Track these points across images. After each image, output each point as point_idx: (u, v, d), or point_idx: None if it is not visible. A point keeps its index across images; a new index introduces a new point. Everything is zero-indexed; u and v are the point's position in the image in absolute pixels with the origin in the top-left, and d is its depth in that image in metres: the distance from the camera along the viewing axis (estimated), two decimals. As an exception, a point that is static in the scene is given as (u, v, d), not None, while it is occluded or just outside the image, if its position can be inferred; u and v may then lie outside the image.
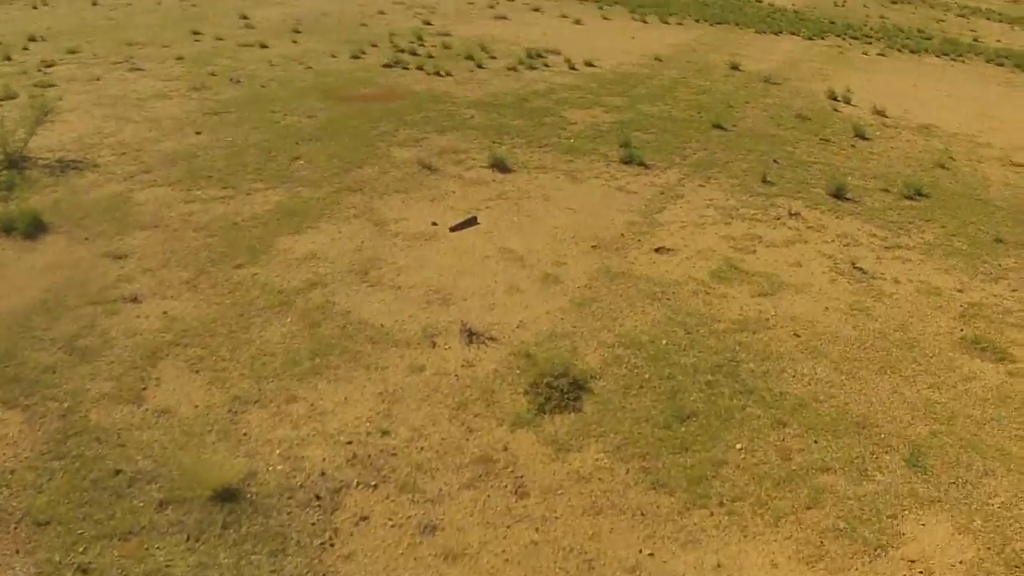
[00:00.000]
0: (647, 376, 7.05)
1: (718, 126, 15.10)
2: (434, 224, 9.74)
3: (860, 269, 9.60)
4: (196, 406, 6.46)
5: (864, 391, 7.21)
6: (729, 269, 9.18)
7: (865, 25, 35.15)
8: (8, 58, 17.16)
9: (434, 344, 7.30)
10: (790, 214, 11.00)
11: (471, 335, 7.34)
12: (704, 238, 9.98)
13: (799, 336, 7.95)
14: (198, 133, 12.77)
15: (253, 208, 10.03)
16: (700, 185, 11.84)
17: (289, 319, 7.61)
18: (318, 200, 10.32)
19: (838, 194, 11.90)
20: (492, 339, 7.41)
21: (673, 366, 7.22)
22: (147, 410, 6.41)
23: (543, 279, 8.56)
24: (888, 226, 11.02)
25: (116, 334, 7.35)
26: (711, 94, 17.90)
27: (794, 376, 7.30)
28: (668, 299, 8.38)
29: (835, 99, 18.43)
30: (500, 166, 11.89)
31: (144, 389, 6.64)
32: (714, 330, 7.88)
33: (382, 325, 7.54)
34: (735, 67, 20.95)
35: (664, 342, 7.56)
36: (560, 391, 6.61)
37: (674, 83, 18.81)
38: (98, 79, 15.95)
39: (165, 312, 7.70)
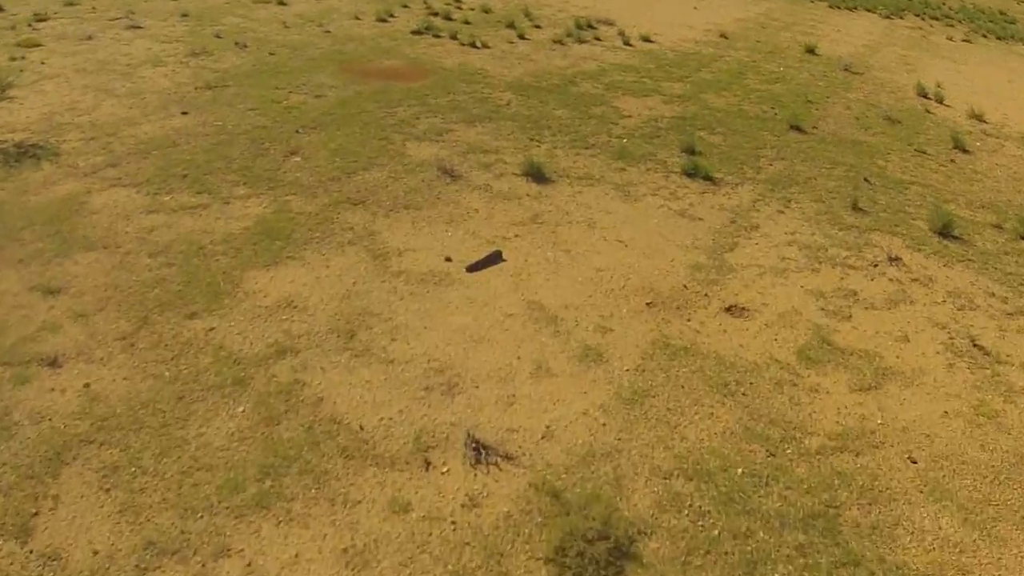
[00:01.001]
0: (716, 532, 5.11)
1: (796, 127, 12.86)
2: (448, 260, 7.79)
3: (980, 348, 7.52)
4: (96, 551, 4.68)
5: (1004, 561, 5.23)
6: (820, 344, 7.15)
7: (944, 4, 32.06)
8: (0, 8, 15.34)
9: (428, 464, 5.40)
10: (890, 259, 8.88)
11: (479, 449, 5.44)
12: (787, 293, 7.92)
13: (915, 462, 5.94)
14: (184, 113, 10.88)
15: (227, 225, 8.14)
16: (779, 211, 9.71)
17: (242, 408, 5.75)
18: (308, 217, 8.40)
19: (944, 231, 9.71)
20: (508, 457, 5.50)
21: (751, 514, 5.26)
22: (31, 552, 4.67)
23: (581, 355, 6.60)
24: (1007, 280, 8.85)
25: (20, 417, 5.60)
26: (786, 83, 15.56)
27: (912, 533, 5.32)
28: (744, 393, 6.39)
29: (926, 96, 16.00)
30: (536, 175, 9.86)
31: (35, 515, 4.89)
32: (805, 450, 5.89)
33: (362, 427, 5.66)
34: (810, 50, 18.50)
35: (739, 471, 5.60)
36: (596, 562, 4.70)
37: (743, 67, 16.47)
38: (90, 38, 14.08)
39: (87, 385, 5.91)
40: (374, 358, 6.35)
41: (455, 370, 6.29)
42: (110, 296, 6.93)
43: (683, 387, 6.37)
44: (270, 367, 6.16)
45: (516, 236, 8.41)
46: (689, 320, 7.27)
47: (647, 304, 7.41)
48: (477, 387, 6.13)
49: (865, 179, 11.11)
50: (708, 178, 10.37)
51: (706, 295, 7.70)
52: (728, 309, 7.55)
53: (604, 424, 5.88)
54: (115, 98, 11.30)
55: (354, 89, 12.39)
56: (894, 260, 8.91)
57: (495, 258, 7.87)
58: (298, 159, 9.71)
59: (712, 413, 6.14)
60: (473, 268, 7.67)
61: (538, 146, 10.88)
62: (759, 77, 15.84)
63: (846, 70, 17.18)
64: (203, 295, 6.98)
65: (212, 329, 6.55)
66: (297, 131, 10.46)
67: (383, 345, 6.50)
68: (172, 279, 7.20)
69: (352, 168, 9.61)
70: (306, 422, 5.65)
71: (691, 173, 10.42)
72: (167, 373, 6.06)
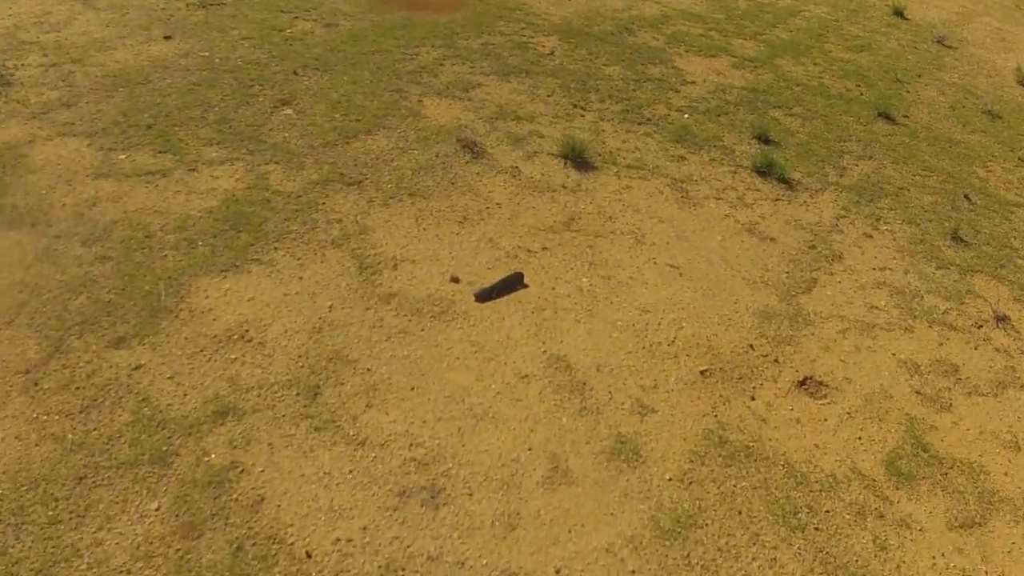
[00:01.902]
0: None
1: (884, 114, 10.93)
2: (454, 281, 6.19)
3: (1114, 463, 5.93)
4: None
5: None
6: (914, 449, 5.59)
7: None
8: None
9: (390, 627, 3.95)
10: (996, 319, 7.23)
11: (462, 609, 3.97)
12: (875, 362, 6.31)
13: (1037, 659, 4.44)
14: (167, 38, 9.13)
15: (187, 203, 6.55)
16: (866, 234, 7.99)
17: (156, 505, 4.30)
18: (288, 198, 6.79)
19: (1061, 278, 7.99)
20: (499, 623, 4.04)
21: None
22: None
23: (612, 450, 5.07)
24: None
25: None
26: (872, 53, 13.46)
27: None
28: (817, 528, 4.87)
29: (1029, 83, 13.86)
30: (577, 158, 8.15)
31: None
32: (896, 632, 4.39)
33: (309, 555, 4.19)
34: (898, 12, 16.21)
35: (810, 670, 4.12)
36: None
37: (823, 27, 14.32)
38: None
39: (-37, 441, 4.45)
40: (340, 435, 4.84)
41: (444, 464, 4.78)
42: (25, 302, 5.43)
43: (740, 512, 4.85)
44: (203, 437, 4.67)
45: (544, 249, 6.77)
46: (753, 399, 5.69)
47: (701, 372, 5.82)
48: (470, 494, 4.63)
49: (965, 195, 9.30)
50: (783, 179, 8.60)
51: (776, 360, 6.10)
52: (802, 383, 5.96)
53: (632, 571, 4.39)
54: (93, 11, 9.52)
55: (372, 19, 10.52)
56: (1001, 320, 7.25)
57: (514, 283, 6.27)
58: (290, 111, 8.01)
59: (775, 558, 4.63)
60: (484, 296, 6.09)
61: (582, 115, 9.11)
62: (842, 42, 13.72)
63: (939, 43, 14.97)
64: (137, 311, 5.45)
65: (139, 368, 5.04)
66: (295, 72, 8.72)
67: (354, 414, 4.98)
68: (104, 282, 5.66)
69: (354, 130, 7.91)
70: (236, 537, 4.19)
71: (763, 171, 8.66)
72: (71, 435, 4.60)
